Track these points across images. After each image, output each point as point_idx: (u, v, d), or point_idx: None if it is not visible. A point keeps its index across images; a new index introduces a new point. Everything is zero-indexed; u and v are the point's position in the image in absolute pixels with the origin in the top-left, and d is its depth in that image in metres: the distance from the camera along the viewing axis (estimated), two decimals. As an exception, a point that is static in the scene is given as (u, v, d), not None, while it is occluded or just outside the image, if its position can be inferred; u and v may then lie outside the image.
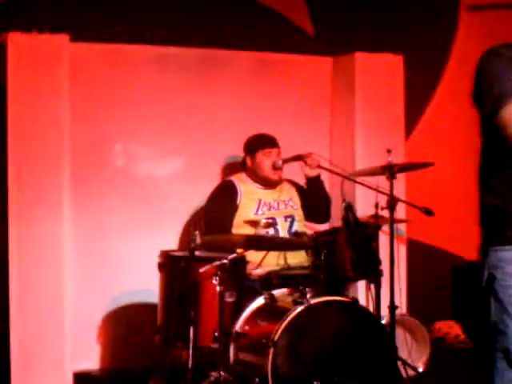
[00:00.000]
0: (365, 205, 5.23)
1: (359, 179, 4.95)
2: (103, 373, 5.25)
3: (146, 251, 5.00)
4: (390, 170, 4.70)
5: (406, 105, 5.77)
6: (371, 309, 4.64)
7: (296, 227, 5.00)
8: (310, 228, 5.20)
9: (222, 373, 4.13)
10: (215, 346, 4.20)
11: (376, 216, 4.86)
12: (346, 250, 4.46)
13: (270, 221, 4.79)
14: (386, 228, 4.83)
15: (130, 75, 5.36)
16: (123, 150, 5.40)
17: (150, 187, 5.43)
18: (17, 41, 4.74)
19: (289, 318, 4.06)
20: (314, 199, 5.06)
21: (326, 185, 5.17)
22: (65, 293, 4.83)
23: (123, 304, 5.29)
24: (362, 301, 4.94)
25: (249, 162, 5.03)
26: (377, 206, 4.82)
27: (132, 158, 5.42)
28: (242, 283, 4.40)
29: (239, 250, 4.29)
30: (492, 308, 2.77)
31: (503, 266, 2.73)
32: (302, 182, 5.11)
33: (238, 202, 4.94)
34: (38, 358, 4.77)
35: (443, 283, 6.16)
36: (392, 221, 4.66)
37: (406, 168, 5.04)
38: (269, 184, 5.02)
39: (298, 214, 5.06)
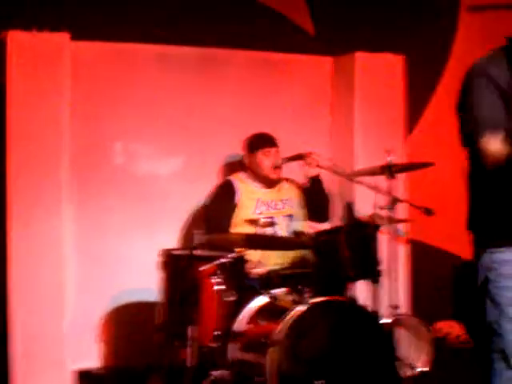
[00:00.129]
0: (364, 205, 5.22)
1: (359, 179, 4.95)
2: (104, 371, 5.25)
3: (145, 250, 5.00)
4: (389, 170, 4.70)
5: (406, 105, 5.77)
6: (371, 309, 4.63)
7: (295, 226, 5.00)
8: (310, 227, 5.20)
9: (223, 372, 4.13)
10: (215, 345, 4.20)
11: (375, 216, 4.85)
12: (345, 249, 4.46)
13: (268, 220, 4.79)
14: (385, 228, 4.83)
15: (130, 74, 5.35)
16: (123, 149, 5.39)
17: (150, 186, 5.43)
18: (17, 39, 4.74)
19: (289, 318, 4.06)
20: (313, 198, 5.06)
21: (326, 184, 5.17)
22: (65, 292, 4.83)
23: (123, 303, 5.29)
24: (362, 300, 4.93)
25: (248, 161, 5.03)
26: (376, 205, 4.81)
27: (132, 157, 5.41)
28: (241, 282, 4.40)
29: (239, 250, 4.29)
30: (487, 309, 2.78)
31: (497, 267, 2.74)
32: (301, 181, 5.11)
33: (236, 201, 4.94)
34: (37, 357, 4.77)
35: (443, 283, 6.15)
36: (391, 221, 4.66)
37: (405, 168, 5.04)
38: (268, 183, 5.03)
39: (297, 213, 5.06)
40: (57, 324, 4.81)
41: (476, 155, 2.71)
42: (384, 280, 4.62)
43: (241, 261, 4.40)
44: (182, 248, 5.01)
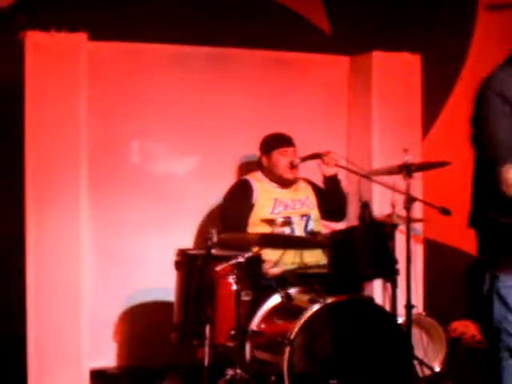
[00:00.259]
0: (381, 204, 5.22)
1: (376, 178, 4.94)
2: (119, 370, 5.27)
3: (161, 249, 5.02)
4: (406, 169, 4.69)
5: (423, 104, 5.76)
6: (387, 308, 4.63)
7: (312, 226, 5.00)
8: (326, 227, 5.20)
9: (238, 371, 4.14)
10: (231, 344, 4.21)
11: (392, 215, 4.84)
12: (362, 248, 4.45)
13: (285, 220, 4.79)
14: (402, 227, 4.82)
15: (146, 74, 5.37)
16: (139, 148, 5.41)
17: (166, 185, 5.44)
18: (35, 39, 4.75)
19: (305, 317, 4.07)
20: (331, 198, 5.05)
21: (343, 183, 5.17)
22: (81, 291, 4.84)
23: (139, 302, 5.31)
24: (379, 300, 4.93)
25: (265, 161, 5.03)
26: (393, 205, 4.81)
27: (148, 156, 5.43)
28: (258, 282, 4.40)
29: (255, 249, 4.30)
30: (495, 307, 2.77)
31: (506, 265, 2.73)
32: (319, 180, 5.11)
33: (253, 200, 4.94)
34: (54, 355, 4.79)
35: (457, 282, 6.12)
36: (408, 220, 4.65)
37: (422, 167, 5.03)
38: (285, 183, 5.02)
39: (314, 212, 5.06)
40: (73, 322, 4.82)
41: (485, 166, 2.71)
42: (400, 279, 4.61)
43: (257, 260, 4.41)
44: (198, 247, 5.01)
